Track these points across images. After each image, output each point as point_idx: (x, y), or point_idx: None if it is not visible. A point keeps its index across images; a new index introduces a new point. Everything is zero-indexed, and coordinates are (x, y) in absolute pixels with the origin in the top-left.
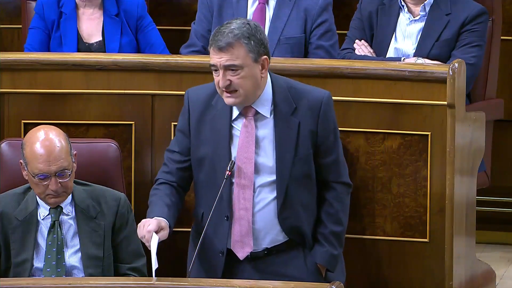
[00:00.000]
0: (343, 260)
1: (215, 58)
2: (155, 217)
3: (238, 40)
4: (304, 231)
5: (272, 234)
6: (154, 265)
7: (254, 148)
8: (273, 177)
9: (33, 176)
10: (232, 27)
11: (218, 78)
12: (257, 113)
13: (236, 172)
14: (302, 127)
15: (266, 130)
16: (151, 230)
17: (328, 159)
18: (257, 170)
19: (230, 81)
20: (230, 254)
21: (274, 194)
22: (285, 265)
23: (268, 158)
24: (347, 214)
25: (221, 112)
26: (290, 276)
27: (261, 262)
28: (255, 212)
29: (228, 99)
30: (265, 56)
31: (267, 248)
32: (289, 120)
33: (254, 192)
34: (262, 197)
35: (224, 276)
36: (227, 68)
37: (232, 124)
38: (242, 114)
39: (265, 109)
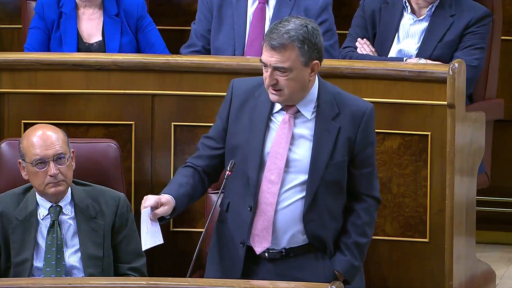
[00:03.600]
0: (363, 274)
1: (266, 55)
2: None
3: (292, 43)
4: (326, 238)
5: (292, 234)
6: (144, 243)
7: (288, 144)
8: (304, 177)
9: (31, 165)
10: (289, 27)
11: (267, 74)
12: (298, 111)
13: (267, 166)
14: (341, 133)
15: (305, 130)
16: (147, 206)
17: (363, 171)
18: (288, 166)
19: (277, 80)
20: (249, 252)
21: (302, 194)
22: (302, 269)
23: (301, 156)
24: (372, 228)
25: (262, 103)
26: (305, 281)
27: (279, 264)
28: (279, 209)
29: (272, 96)
30: (316, 61)
31: (285, 248)
32: (330, 124)
33: (281, 188)
34: (289, 195)
35: (243, 273)
36: (275, 68)
37: (271, 117)
38: (283, 110)
39: (307, 110)
